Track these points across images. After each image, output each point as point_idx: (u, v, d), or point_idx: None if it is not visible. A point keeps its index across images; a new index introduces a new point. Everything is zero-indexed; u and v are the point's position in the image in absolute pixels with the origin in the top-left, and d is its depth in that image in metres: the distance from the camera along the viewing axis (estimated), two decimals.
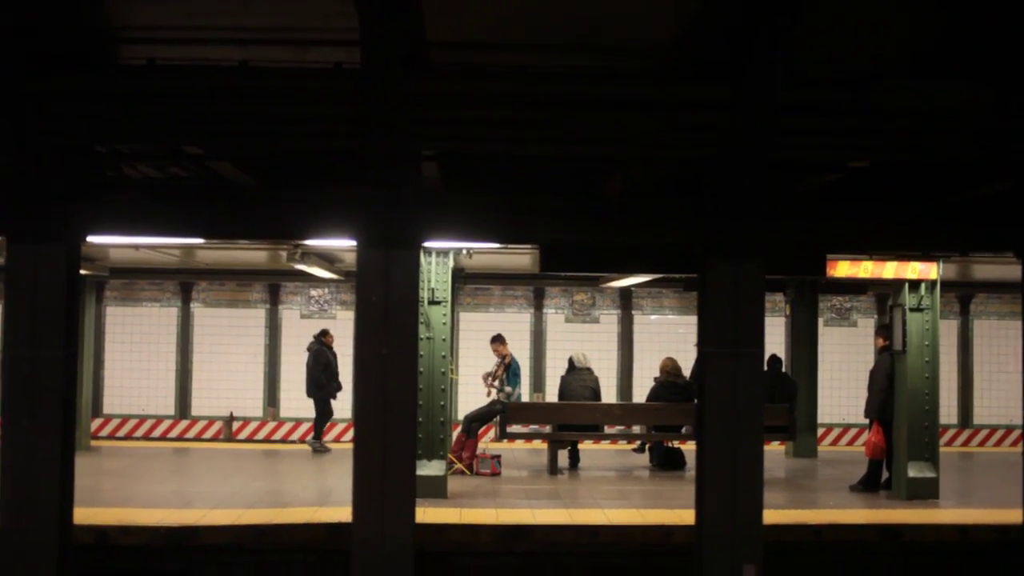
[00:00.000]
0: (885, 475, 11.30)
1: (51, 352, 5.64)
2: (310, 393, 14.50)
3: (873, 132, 5.74)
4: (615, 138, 5.70)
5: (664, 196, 7.18)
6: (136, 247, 12.00)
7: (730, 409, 5.82)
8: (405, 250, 5.72)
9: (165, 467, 13.04)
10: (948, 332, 16.82)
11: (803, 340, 14.44)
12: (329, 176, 7.12)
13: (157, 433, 17.02)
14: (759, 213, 5.79)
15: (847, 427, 17.25)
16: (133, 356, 17.08)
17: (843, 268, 10.57)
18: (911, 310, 10.76)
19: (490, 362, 13.19)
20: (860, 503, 10.63)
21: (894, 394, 10.99)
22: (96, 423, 16.13)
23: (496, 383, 12.86)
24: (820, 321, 15.37)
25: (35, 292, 5.63)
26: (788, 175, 7.01)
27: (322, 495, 10.47)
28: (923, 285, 10.73)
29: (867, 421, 11.69)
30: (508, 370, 12.77)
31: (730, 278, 5.81)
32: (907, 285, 10.76)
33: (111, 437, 16.68)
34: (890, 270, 10.60)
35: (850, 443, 17.05)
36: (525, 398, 14.10)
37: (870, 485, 11.28)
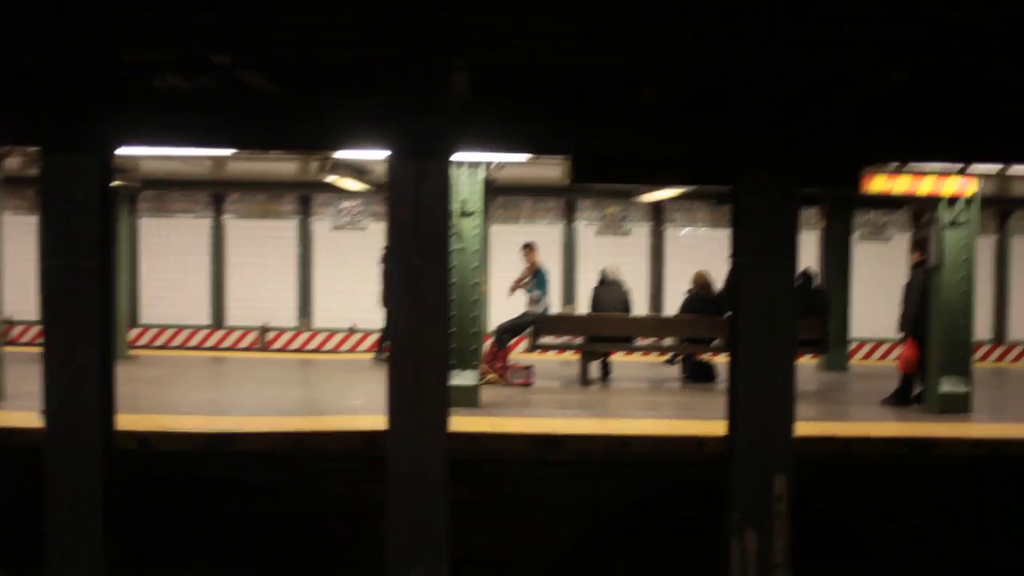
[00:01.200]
0: (918, 389, 11.29)
1: (87, 261, 5.71)
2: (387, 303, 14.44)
3: (914, 44, 5.57)
4: (649, 47, 5.57)
5: (700, 108, 7.04)
6: (167, 158, 12.03)
7: (763, 320, 5.81)
8: (436, 161, 5.69)
9: (202, 376, 13.28)
10: (985, 248, 16.59)
11: (837, 255, 14.34)
12: (359, 87, 7.04)
13: (193, 343, 17.29)
14: (795, 125, 5.69)
15: (879, 342, 17.20)
16: (168, 267, 17.26)
17: (879, 183, 10.41)
18: (948, 226, 10.62)
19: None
20: (891, 417, 10.65)
21: (928, 309, 10.92)
22: (133, 333, 16.40)
23: (522, 285, 12.97)
24: (854, 236, 15.21)
25: (69, 202, 5.67)
26: (825, 86, 6.84)
27: (356, 404, 10.62)
28: (961, 201, 10.57)
29: (900, 335, 11.64)
30: (536, 276, 12.82)
31: (764, 189, 5.75)
32: (945, 201, 10.59)
33: (148, 347, 16.97)
34: (927, 186, 10.43)
35: (882, 358, 17.02)
36: (555, 310, 14.13)
37: (901, 399, 11.29)
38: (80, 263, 5.70)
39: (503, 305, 14.01)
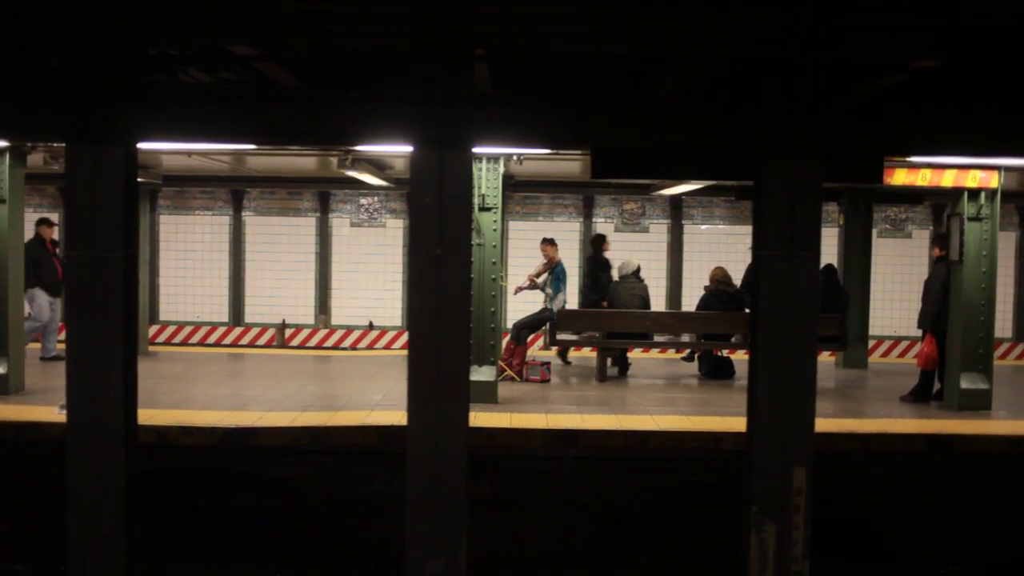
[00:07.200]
0: (937, 386, 11.23)
1: (111, 252, 5.72)
2: None
3: (941, 29, 5.54)
4: (672, 36, 5.56)
5: (721, 97, 7.02)
6: (188, 153, 12.08)
7: (784, 312, 5.78)
8: (458, 151, 5.67)
9: (220, 372, 13.31)
10: (1007, 243, 16.52)
11: (856, 251, 14.28)
12: (381, 79, 7.06)
13: (212, 340, 17.38)
14: (818, 115, 5.66)
15: (898, 339, 17.12)
16: (187, 264, 17.35)
17: (900, 176, 10.35)
18: (969, 219, 10.54)
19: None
20: (911, 413, 10.59)
21: (949, 305, 10.86)
22: (153, 329, 16.47)
23: (538, 280, 12.94)
24: (874, 232, 15.14)
25: (94, 192, 5.68)
26: (849, 76, 6.80)
27: (374, 400, 10.64)
28: (983, 194, 10.49)
29: (920, 332, 11.57)
30: (552, 273, 12.79)
31: (787, 180, 5.71)
32: (966, 194, 10.52)
33: (167, 343, 17.05)
34: (949, 178, 10.36)
35: (901, 355, 16.95)
36: (573, 306, 14.10)
37: (921, 396, 11.23)
38: (104, 254, 5.72)
39: (520, 301, 14.00)
